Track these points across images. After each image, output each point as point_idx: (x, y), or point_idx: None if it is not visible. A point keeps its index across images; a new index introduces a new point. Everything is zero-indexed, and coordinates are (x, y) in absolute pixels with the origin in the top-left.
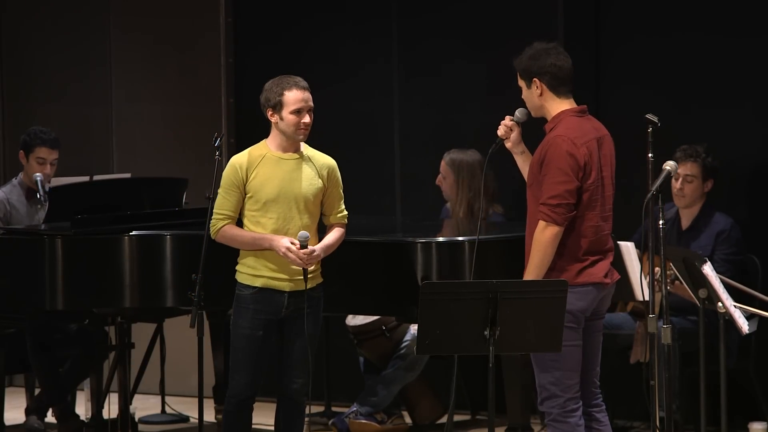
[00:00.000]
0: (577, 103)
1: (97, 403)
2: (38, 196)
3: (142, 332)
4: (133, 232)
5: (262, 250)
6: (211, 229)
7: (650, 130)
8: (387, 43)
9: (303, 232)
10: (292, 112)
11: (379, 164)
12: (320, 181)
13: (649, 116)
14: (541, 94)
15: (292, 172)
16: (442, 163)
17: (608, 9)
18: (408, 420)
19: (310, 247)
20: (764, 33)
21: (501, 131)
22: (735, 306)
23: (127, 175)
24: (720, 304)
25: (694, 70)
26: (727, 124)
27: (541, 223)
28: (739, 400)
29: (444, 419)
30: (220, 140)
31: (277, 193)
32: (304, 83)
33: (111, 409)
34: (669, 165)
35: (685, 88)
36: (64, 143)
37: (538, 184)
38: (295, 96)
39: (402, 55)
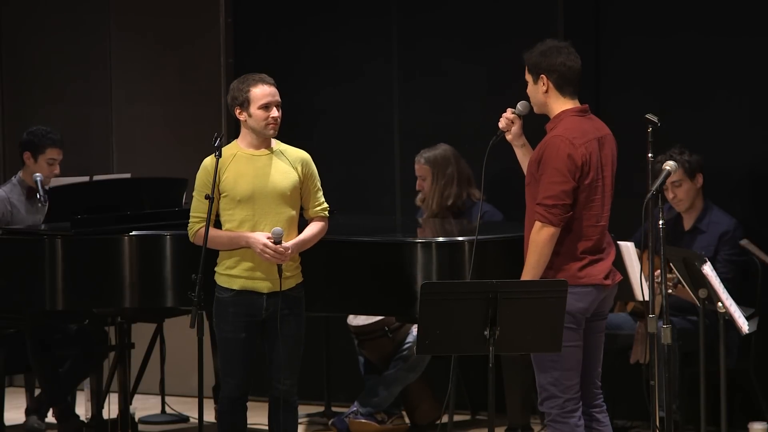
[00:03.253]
0: (580, 103)
1: (97, 403)
2: (38, 196)
3: (142, 332)
4: (133, 232)
5: (240, 248)
6: (189, 233)
7: (650, 130)
8: (387, 43)
9: (276, 229)
10: (260, 107)
11: (379, 164)
12: (295, 173)
13: (649, 116)
14: (546, 91)
15: (264, 168)
16: (417, 165)
17: (608, 9)
18: (408, 420)
19: (284, 244)
20: (763, 32)
21: (502, 123)
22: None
23: (127, 175)
24: (720, 304)
25: (694, 70)
26: (727, 123)
27: (537, 224)
28: (739, 400)
29: (444, 419)
30: (220, 140)
31: (251, 189)
32: (270, 79)
33: (111, 409)
34: (669, 165)
35: (685, 87)
36: (64, 143)
37: (535, 182)
38: (262, 91)
39: (402, 54)
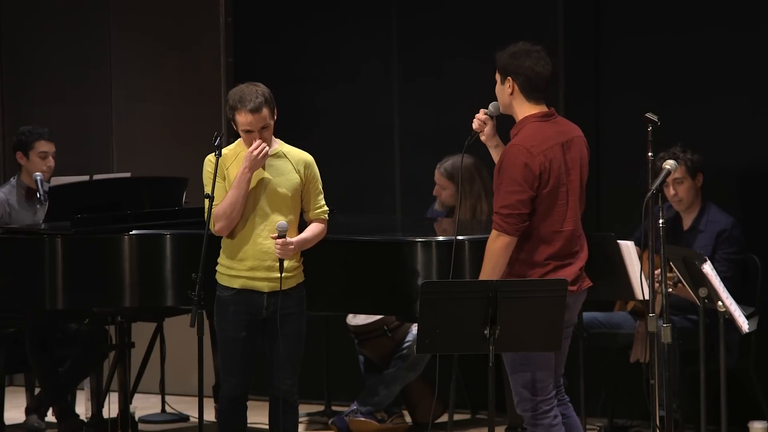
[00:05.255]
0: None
1: (97, 402)
2: (38, 195)
3: (142, 332)
4: (133, 232)
5: (247, 188)
6: (211, 228)
7: (650, 129)
8: (387, 43)
9: (281, 222)
10: (242, 131)
11: (379, 164)
12: (297, 176)
13: (648, 115)
14: (511, 93)
15: (267, 169)
16: (438, 174)
17: (608, 9)
18: (408, 419)
19: (288, 239)
20: (763, 28)
21: (475, 125)
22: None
23: (127, 175)
24: (720, 303)
25: (693, 70)
26: (727, 123)
27: (493, 232)
28: (739, 399)
29: (444, 418)
30: (220, 139)
31: (253, 190)
32: (253, 104)
33: (111, 408)
34: (669, 164)
35: (685, 88)
36: (64, 143)
37: (497, 190)
38: (241, 119)
39: (402, 55)
